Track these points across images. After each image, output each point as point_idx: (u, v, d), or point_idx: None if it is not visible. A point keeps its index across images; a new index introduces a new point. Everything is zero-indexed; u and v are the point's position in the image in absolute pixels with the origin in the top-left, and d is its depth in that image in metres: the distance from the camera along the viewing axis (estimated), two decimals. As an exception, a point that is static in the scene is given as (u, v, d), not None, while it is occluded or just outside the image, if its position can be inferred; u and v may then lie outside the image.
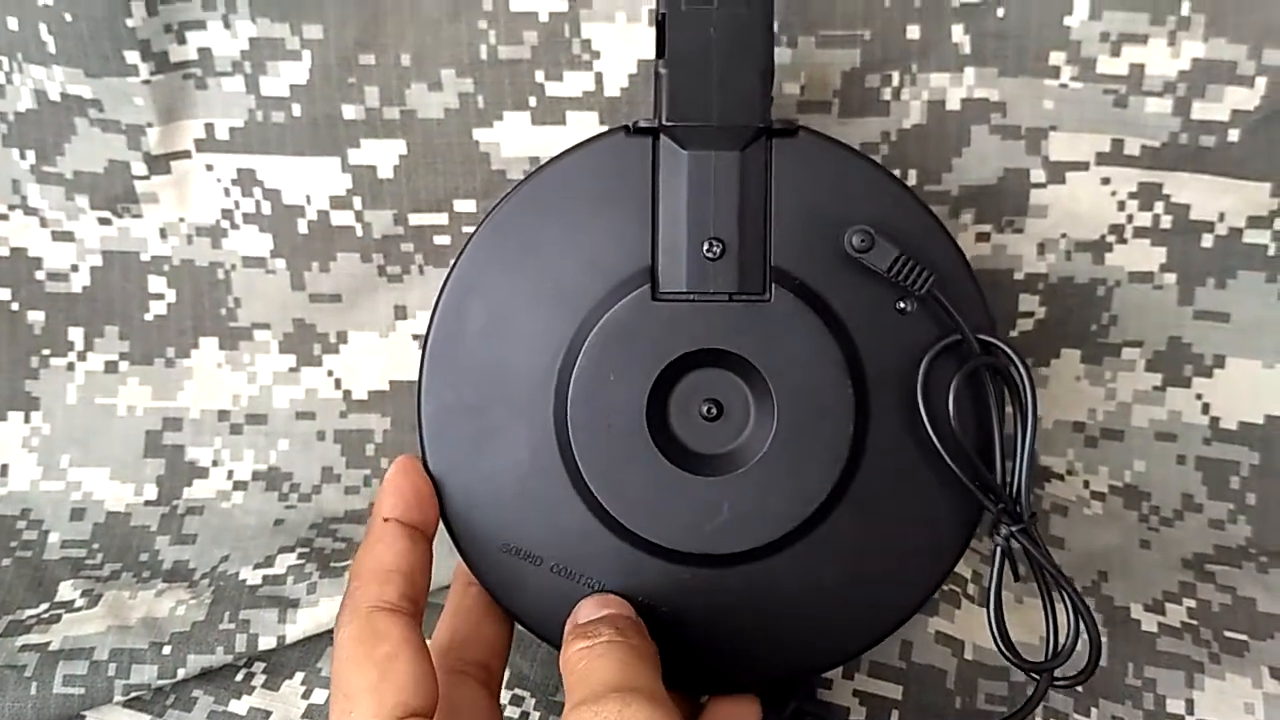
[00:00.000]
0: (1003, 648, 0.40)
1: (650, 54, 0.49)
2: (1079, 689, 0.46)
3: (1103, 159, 0.50)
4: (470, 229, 0.53)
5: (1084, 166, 0.51)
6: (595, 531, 0.40)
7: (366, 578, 0.37)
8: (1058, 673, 0.40)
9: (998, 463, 0.40)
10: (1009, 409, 0.40)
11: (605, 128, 0.51)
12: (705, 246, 0.39)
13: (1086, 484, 0.55)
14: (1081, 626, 0.40)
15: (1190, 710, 0.46)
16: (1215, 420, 0.54)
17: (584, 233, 0.40)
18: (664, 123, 0.39)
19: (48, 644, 0.47)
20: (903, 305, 0.40)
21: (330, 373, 0.57)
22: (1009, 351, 0.40)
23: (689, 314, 0.39)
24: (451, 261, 0.41)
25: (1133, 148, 0.50)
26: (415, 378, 0.56)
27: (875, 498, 0.40)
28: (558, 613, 0.40)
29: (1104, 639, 0.48)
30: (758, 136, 0.39)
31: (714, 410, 0.40)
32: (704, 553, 0.40)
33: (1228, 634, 0.49)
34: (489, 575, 0.41)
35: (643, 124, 0.40)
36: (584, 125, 0.51)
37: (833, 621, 0.41)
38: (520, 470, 0.40)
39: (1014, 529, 0.40)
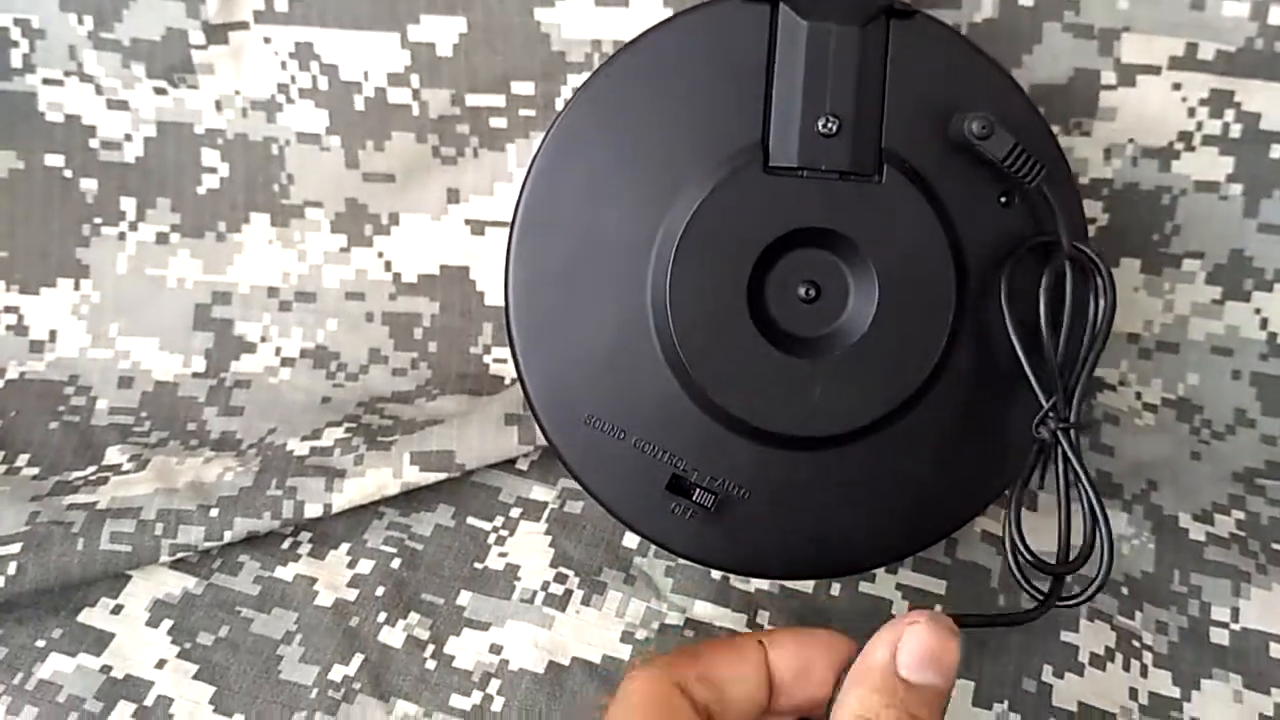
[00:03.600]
0: (1019, 543, 0.38)
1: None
2: (1124, 591, 0.46)
3: (1175, 63, 0.49)
4: (527, 113, 0.53)
5: (1156, 70, 0.49)
6: (684, 408, 0.40)
7: None
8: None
9: (1058, 361, 0.40)
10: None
11: (669, 11, 0.50)
12: (821, 122, 0.38)
13: (1139, 395, 0.54)
14: (1099, 538, 0.39)
15: (1235, 618, 0.46)
16: (1273, 336, 0.53)
17: (692, 100, 0.39)
18: None
19: (95, 503, 0.48)
20: (1005, 198, 0.39)
21: (380, 254, 0.56)
22: (1098, 262, 0.39)
23: (799, 189, 0.39)
24: (550, 121, 0.40)
25: (1207, 52, 0.49)
26: (465, 263, 0.56)
27: (964, 386, 0.40)
28: (637, 489, 0.40)
29: (1151, 545, 0.48)
30: (878, 14, 0.39)
31: (812, 292, 0.39)
32: (795, 435, 0.39)
33: (1275, 546, 0.49)
34: (568, 447, 0.41)
35: None
36: (648, 7, 0.50)
37: (919, 506, 0.41)
38: (610, 341, 0.40)
39: (1059, 425, 0.39)
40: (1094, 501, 0.39)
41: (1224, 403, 0.54)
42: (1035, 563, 0.38)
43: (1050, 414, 0.39)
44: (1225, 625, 0.46)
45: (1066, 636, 0.44)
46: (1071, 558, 0.39)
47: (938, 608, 0.46)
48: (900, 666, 0.33)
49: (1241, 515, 0.50)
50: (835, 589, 0.46)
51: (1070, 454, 0.39)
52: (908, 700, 0.33)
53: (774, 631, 0.38)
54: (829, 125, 0.39)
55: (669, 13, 0.50)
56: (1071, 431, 0.39)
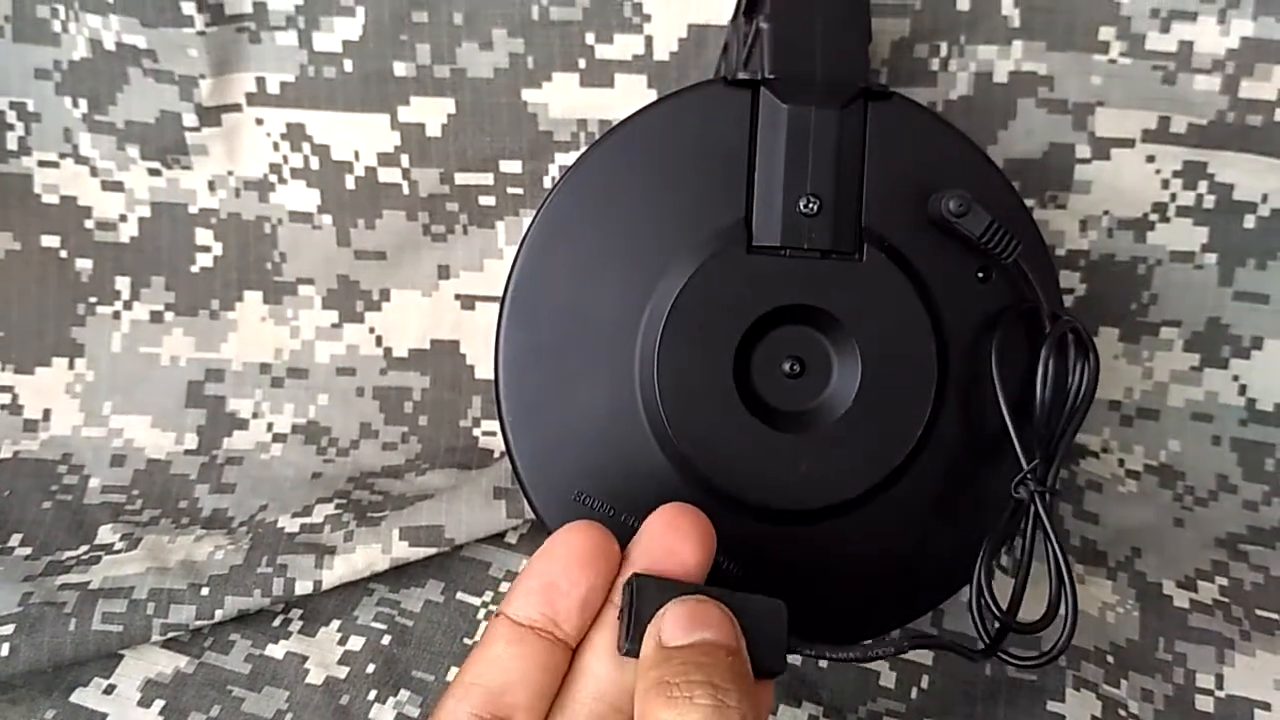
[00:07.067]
0: (985, 591, 0.39)
1: (701, 19, 0.50)
2: (1109, 661, 0.46)
3: (1149, 136, 0.50)
4: (515, 190, 0.54)
5: (1129, 143, 0.51)
6: (673, 483, 0.40)
7: (453, 685, 0.32)
8: (1019, 652, 0.40)
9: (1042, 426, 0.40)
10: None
11: (653, 92, 0.51)
12: (803, 202, 0.39)
13: (1121, 462, 0.55)
14: (1064, 603, 0.39)
15: (1220, 685, 0.46)
16: (1252, 402, 0.54)
17: (677, 181, 0.40)
18: (766, 75, 0.40)
19: (87, 583, 0.48)
20: (982, 274, 0.40)
21: (372, 329, 0.57)
22: (1082, 330, 0.40)
23: (782, 268, 0.39)
24: (539, 203, 0.41)
25: (1179, 125, 0.50)
26: (455, 337, 0.57)
27: (948, 456, 0.41)
28: None
29: (1136, 613, 0.49)
30: (856, 97, 0.40)
31: (797, 367, 0.40)
32: (784, 509, 0.40)
33: (1259, 612, 0.49)
34: (558, 523, 0.40)
35: (742, 76, 0.40)
36: (632, 88, 0.51)
37: (907, 576, 0.41)
38: (599, 417, 0.40)
39: (1037, 489, 0.39)
40: (1062, 567, 0.39)
41: (1205, 469, 0.54)
42: (996, 613, 0.39)
43: (1029, 476, 0.40)
44: (1210, 692, 0.46)
45: (1053, 706, 0.44)
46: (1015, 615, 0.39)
47: (925, 679, 0.46)
48: (663, 640, 0.31)
49: (1225, 581, 0.50)
50: (823, 661, 0.47)
51: (1044, 517, 0.39)
52: (681, 661, 0.30)
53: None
54: (810, 205, 0.39)
55: (653, 94, 0.51)
56: (1047, 495, 0.40)
